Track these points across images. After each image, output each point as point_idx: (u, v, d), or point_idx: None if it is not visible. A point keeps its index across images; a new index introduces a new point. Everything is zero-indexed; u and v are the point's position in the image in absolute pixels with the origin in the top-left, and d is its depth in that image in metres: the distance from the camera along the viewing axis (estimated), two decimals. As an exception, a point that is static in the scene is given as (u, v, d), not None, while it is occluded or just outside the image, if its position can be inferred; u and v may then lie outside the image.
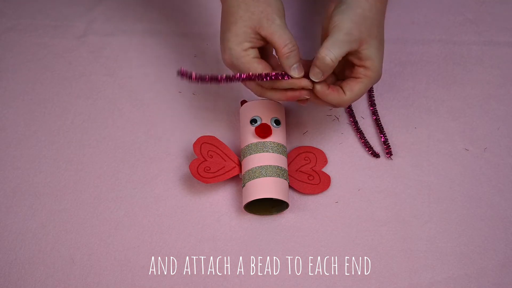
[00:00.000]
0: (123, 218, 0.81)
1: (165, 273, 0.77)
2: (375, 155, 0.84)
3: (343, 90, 0.75)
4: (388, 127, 0.87)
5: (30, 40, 0.94)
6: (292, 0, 0.97)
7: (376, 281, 0.77)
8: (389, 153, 0.84)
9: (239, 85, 0.90)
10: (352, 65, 0.76)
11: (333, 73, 0.77)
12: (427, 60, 0.93)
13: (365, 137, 0.86)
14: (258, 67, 0.74)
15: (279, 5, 0.74)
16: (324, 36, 0.75)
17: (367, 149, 0.85)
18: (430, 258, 0.79)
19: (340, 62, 0.73)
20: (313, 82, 0.75)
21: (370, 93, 0.89)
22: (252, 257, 0.79)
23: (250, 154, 0.80)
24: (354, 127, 0.87)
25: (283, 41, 0.73)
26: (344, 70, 0.78)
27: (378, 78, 0.76)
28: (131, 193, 0.82)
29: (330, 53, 0.72)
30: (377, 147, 0.86)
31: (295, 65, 0.74)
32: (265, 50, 0.78)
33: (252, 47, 0.74)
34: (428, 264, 0.78)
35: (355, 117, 0.87)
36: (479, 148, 0.86)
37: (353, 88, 0.75)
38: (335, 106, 0.77)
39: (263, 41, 0.75)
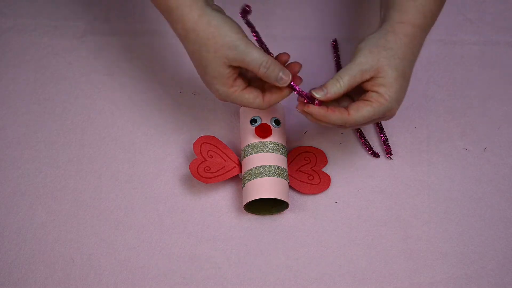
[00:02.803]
0: (123, 218, 0.81)
1: (165, 273, 0.77)
2: (375, 155, 0.84)
3: (347, 111, 0.73)
4: (388, 127, 0.87)
5: (30, 40, 0.94)
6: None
7: (376, 281, 0.77)
8: (389, 153, 0.84)
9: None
10: (365, 89, 0.74)
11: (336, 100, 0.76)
12: (427, 60, 0.93)
13: (365, 137, 0.86)
14: (249, 97, 0.74)
15: (231, 28, 0.71)
16: None
17: (367, 149, 0.85)
18: (430, 258, 0.79)
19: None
20: (311, 103, 0.73)
21: None
22: (252, 257, 0.79)
23: (250, 154, 0.80)
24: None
25: (255, 64, 0.71)
26: (349, 94, 0.76)
27: (390, 109, 0.73)
28: (131, 193, 0.82)
29: (340, 80, 0.72)
30: (377, 147, 0.86)
31: (278, 76, 0.72)
32: None
33: (235, 79, 0.73)
34: (428, 264, 0.78)
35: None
36: (479, 148, 0.86)
37: (360, 109, 0.72)
38: (340, 126, 0.74)
39: (239, 67, 0.73)
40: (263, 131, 0.80)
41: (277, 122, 0.82)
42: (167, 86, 0.91)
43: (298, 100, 0.74)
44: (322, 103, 0.73)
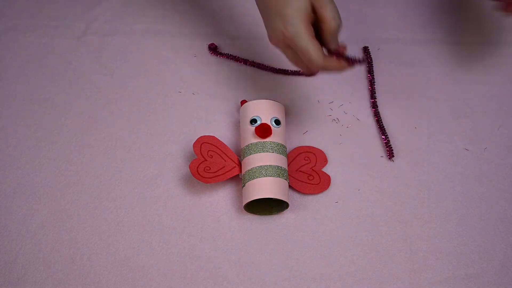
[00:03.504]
0: (123, 218, 0.81)
1: (165, 273, 0.77)
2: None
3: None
4: (388, 127, 0.87)
5: (30, 40, 0.94)
6: None
7: (376, 281, 0.77)
8: (390, 154, 0.84)
9: (238, 84, 0.91)
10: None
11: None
12: (427, 60, 0.93)
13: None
14: (316, 45, 0.73)
15: None
16: None
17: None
18: (430, 258, 0.79)
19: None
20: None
21: (372, 94, 0.89)
22: (252, 257, 0.79)
23: (250, 154, 0.80)
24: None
25: (331, 16, 0.73)
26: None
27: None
28: (131, 193, 0.82)
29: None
30: (379, 148, 0.86)
31: (336, 40, 0.75)
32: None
33: (310, 23, 0.74)
34: (428, 264, 0.78)
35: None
36: (479, 148, 0.86)
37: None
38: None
39: (314, 15, 0.74)
40: (263, 131, 0.80)
41: (277, 122, 0.82)
42: (167, 86, 0.91)
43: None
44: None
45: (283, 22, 0.73)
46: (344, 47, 0.77)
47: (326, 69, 0.75)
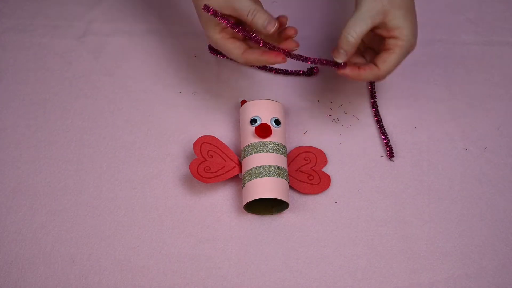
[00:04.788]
0: (123, 218, 0.81)
1: (165, 273, 0.77)
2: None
3: (375, 65, 0.77)
4: (388, 127, 0.87)
5: (30, 40, 0.94)
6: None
7: (376, 281, 0.77)
8: (390, 154, 0.85)
9: (238, 84, 0.91)
10: (383, 39, 0.77)
11: (362, 55, 0.81)
12: (427, 60, 0.93)
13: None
14: (231, 46, 0.77)
15: None
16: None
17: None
18: (430, 258, 0.79)
19: (367, 39, 0.77)
20: (342, 67, 0.76)
21: (372, 93, 0.89)
22: (252, 257, 0.79)
23: (250, 154, 0.80)
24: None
25: (244, 10, 0.74)
26: (371, 48, 0.81)
27: (410, 45, 0.77)
28: (131, 193, 0.82)
29: (352, 31, 0.74)
30: (378, 147, 0.86)
31: (264, 23, 0.74)
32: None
33: (224, 28, 0.77)
34: (428, 264, 0.78)
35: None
36: (479, 148, 0.86)
37: (386, 59, 0.77)
38: (373, 81, 0.80)
39: (232, 17, 0.76)
40: (263, 131, 0.80)
41: (277, 122, 0.82)
42: (167, 86, 0.91)
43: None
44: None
45: (205, 35, 0.79)
46: (294, 29, 0.78)
47: (250, 63, 0.78)
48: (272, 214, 0.81)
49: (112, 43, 0.94)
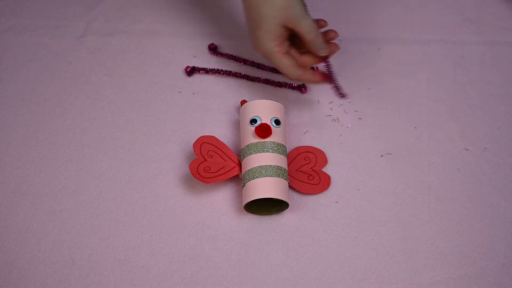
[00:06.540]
0: (123, 218, 0.81)
1: (165, 273, 0.77)
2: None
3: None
4: (388, 127, 0.87)
5: (30, 40, 0.94)
6: None
7: (376, 281, 0.77)
8: (340, 94, 0.84)
9: (238, 84, 0.91)
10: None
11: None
12: (427, 60, 0.93)
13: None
14: (287, 62, 0.81)
15: None
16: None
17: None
18: (430, 258, 0.79)
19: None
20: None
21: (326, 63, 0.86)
22: (252, 257, 0.79)
23: (250, 154, 0.80)
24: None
25: (308, 29, 0.79)
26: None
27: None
28: (131, 193, 0.82)
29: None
30: (378, 147, 0.86)
31: (322, 45, 0.80)
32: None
33: (282, 41, 0.80)
34: (428, 264, 0.78)
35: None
36: (479, 148, 0.86)
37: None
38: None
39: (289, 31, 0.80)
40: (263, 131, 0.80)
41: (277, 122, 0.82)
42: (167, 86, 0.91)
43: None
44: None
45: (257, 42, 0.81)
46: (335, 32, 0.83)
47: (302, 80, 0.83)
48: (272, 214, 0.81)
49: (112, 43, 0.94)
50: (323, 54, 0.81)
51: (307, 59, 0.82)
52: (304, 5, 0.80)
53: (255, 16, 0.80)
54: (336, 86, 0.84)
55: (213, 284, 0.77)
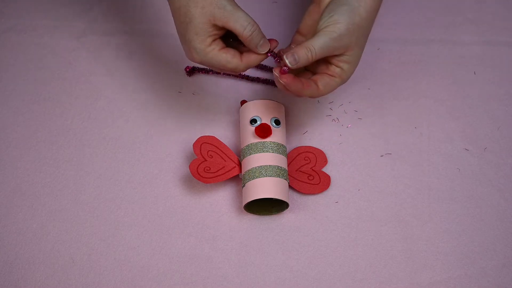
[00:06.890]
0: (123, 218, 0.81)
1: (165, 273, 0.77)
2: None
3: (316, 84, 0.75)
4: (388, 127, 0.87)
5: (30, 40, 0.94)
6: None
7: (376, 281, 0.77)
8: (277, 57, 0.77)
9: (238, 84, 0.91)
10: (329, 62, 0.76)
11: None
12: (427, 60, 0.93)
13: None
14: (227, 56, 0.74)
15: None
16: (310, 23, 0.77)
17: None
18: (430, 258, 0.79)
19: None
20: (283, 72, 0.73)
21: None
22: (252, 257, 0.79)
23: (250, 154, 0.80)
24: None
25: (240, 26, 0.72)
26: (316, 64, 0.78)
27: (346, 81, 0.77)
28: (131, 193, 0.82)
29: (313, 51, 0.72)
30: (378, 147, 0.86)
31: (260, 43, 0.74)
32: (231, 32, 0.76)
33: (214, 40, 0.74)
34: (428, 264, 0.78)
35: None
36: (479, 148, 0.86)
37: (329, 83, 0.75)
38: (309, 97, 0.76)
39: (223, 30, 0.74)
40: (263, 131, 0.80)
41: (277, 122, 0.82)
42: (167, 86, 0.91)
43: (275, 70, 0.74)
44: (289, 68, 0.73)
45: (188, 48, 0.74)
46: (275, 41, 0.76)
47: (251, 66, 0.76)
48: (272, 214, 0.81)
49: (112, 43, 0.94)
50: (263, 52, 0.75)
51: (251, 59, 0.75)
52: None
53: (184, 17, 0.73)
54: (280, 57, 0.75)
55: (213, 284, 0.77)
